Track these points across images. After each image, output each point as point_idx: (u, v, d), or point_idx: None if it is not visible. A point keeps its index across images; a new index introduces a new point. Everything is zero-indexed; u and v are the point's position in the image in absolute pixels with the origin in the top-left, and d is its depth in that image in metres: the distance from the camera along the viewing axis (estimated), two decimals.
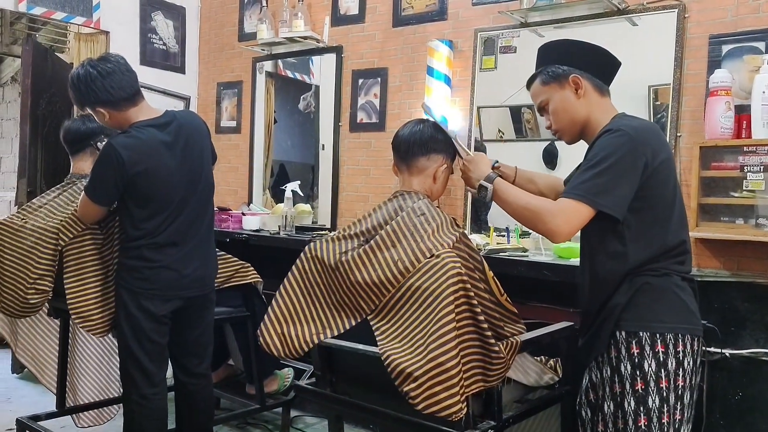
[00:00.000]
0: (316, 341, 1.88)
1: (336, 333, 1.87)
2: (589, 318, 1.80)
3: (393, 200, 1.95)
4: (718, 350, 2.48)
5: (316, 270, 1.91)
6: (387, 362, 1.72)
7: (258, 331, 1.94)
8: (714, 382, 2.50)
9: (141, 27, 4.20)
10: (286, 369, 3.33)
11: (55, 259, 2.53)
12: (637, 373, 1.66)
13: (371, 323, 1.82)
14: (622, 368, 1.68)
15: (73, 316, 2.49)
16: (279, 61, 4.16)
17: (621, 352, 1.69)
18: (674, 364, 1.66)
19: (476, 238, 2.84)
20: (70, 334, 3.02)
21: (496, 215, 3.15)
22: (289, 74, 4.21)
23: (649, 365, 1.65)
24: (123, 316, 2.37)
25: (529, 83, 1.88)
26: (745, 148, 2.39)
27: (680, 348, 1.66)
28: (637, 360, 1.66)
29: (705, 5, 2.59)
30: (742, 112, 2.46)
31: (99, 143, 2.60)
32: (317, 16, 3.84)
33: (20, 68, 4.65)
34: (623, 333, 1.69)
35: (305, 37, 3.77)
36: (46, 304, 2.72)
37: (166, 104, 3.81)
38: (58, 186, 2.80)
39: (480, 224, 3.21)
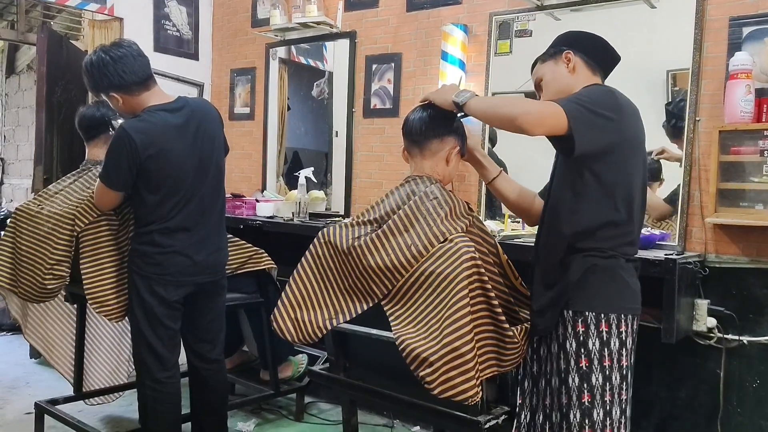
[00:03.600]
0: (329, 326, 1.88)
1: (349, 318, 1.87)
2: (540, 294, 1.85)
3: (405, 185, 1.94)
4: (736, 337, 2.45)
5: (329, 255, 1.91)
6: (402, 347, 1.71)
7: (272, 316, 1.94)
8: (731, 369, 2.48)
9: (155, 13, 4.20)
10: (300, 355, 3.35)
11: (71, 245, 2.55)
12: (582, 351, 1.72)
13: (385, 308, 1.82)
14: (568, 345, 1.74)
15: (89, 302, 2.51)
16: (292, 47, 4.14)
17: (567, 329, 1.75)
18: (617, 344, 1.72)
19: (491, 225, 2.82)
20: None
21: None
22: (303, 60, 4.19)
23: (593, 344, 1.71)
24: (136, 302, 2.39)
25: (533, 68, 1.97)
26: (765, 132, 2.35)
27: (623, 328, 1.73)
28: (582, 338, 1.72)
29: None
30: (763, 96, 2.41)
31: (113, 129, 2.61)
32: (330, 1, 3.82)
33: (35, 56, 4.68)
34: (570, 312, 1.74)
35: (318, 23, 3.75)
36: (62, 290, 2.74)
37: (179, 91, 3.83)
38: (73, 172, 2.81)
39: (495, 211, 3.19)
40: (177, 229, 2.35)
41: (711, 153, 2.47)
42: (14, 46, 6.79)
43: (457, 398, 1.65)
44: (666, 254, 2.34)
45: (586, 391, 1.71)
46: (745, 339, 2.44)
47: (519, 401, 1.86)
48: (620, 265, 1.75)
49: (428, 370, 1.66)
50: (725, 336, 2.47)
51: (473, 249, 1.76)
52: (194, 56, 4.44)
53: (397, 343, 1.73)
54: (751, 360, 2.45)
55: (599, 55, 1.89)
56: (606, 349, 1.71)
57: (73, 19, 4.65)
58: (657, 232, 2.58)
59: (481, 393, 1.67)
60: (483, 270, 1.75)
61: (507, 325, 1.75)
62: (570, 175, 1.79)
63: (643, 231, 2.53)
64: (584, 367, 1.71)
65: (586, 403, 1.71)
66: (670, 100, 2.71)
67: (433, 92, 1.94)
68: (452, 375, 1.64)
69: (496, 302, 1.75)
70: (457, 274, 1.70)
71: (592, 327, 1.72)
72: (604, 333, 1.71)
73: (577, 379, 1.72)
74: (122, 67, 2.29)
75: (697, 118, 2.58)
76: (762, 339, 2.42)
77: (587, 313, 1.72)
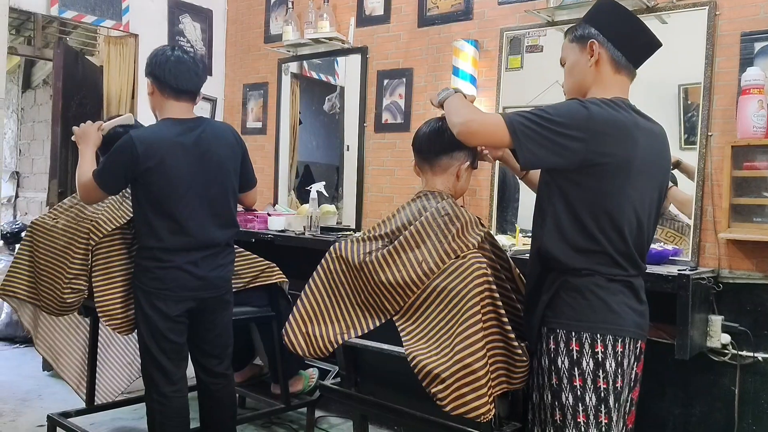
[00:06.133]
0: (340, 341, 1.88)
1: (360, 333, 1.87)
2: (525, 309, 1.84)
3: (417, 200, 1.95)
4: (751, 354, 2.43)
5: (341, 270, 1.91)
6: (413, 363, 1.71)
7: (283, 330, 1.94)
8: (746, 386, 2.45)
9: (169, 30, 4.25)
10: (311, 369, 3.34)
11: (87, 259, 2.57)
12: (552, 368, 1.69)
13: (396, 324, 1.82)
14: (543, 362, 1.72)
15: (99, 314, 2.53)
16: (304, 62, 4.17)
17: (543, 346, 1.72)
18: (592, 364, 1.65)
19: (502, 239, 2.82)
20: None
21: (522, 216, 3.13)
22: (314, 75, 4.22)
23: (562, 362, 1.67)
24: (140, 316, 2.40)
25: (565, 35, 1.88)
26: None
27: (599, 349, 1.65)
28: (552, 355, 1.69)
29: (736, 2, 2.54)
30: None
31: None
32: (342, 17, 3.85)
33: (51, 71, 4.73)
34: (545, 328, 1.72)
35: (330, 38, 3.78)
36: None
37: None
38: None
39: (506, 225, 3.19)
40: (176, 249, 2.35)
41: (723, 168, 2.46)
42: (31, 61, 6.88)
43: (469, 415, 1.64)
44: (679, 270, 2.33)
45: (557, 409, 1.68)
46: (759, 356, 2.42)
47: (530, 417, 1.82)
48: (597, 284, 1.66)
49: (440, 387, 1.66)
50: (739, 352, 2.45)
51: (485, 265, 1.76)
52: (207, 71, 4.47)
53: (408, 359, 1.73)
54: (766, 376, 2.42)
55: (631, 44, 1.74)
56: (576, 369, 1.65)
57: (88, 35, 4.70)
58: (670, 247, 2.56)
59: (493, 410, 1.67)
60: (495, 287, 1.75)
61: (516, 343, 1.75)
62: (542, 189, 1.79)
63: (656, 246, 2.52)
64: (555, 385, 1.68)
65: (558, 422, 1.68)
66: (682, 113, 2.70)
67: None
68: (464, 392, 1.64)
69: (506, 319, 1.75)
70: (469, 291, 1.70)
71: (562, 345, 1.67)
72: (574, 352, 1.66)
73: (549, 396, 1.70)
74: (171, 67, 2.36)
75: (710, 133, 2.57)
76: None
77: (558, 331, 1.68)
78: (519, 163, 1.67)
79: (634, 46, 1.76)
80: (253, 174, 2.65)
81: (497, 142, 1.68)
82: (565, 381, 1.67)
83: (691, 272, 2.29)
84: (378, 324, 1.86)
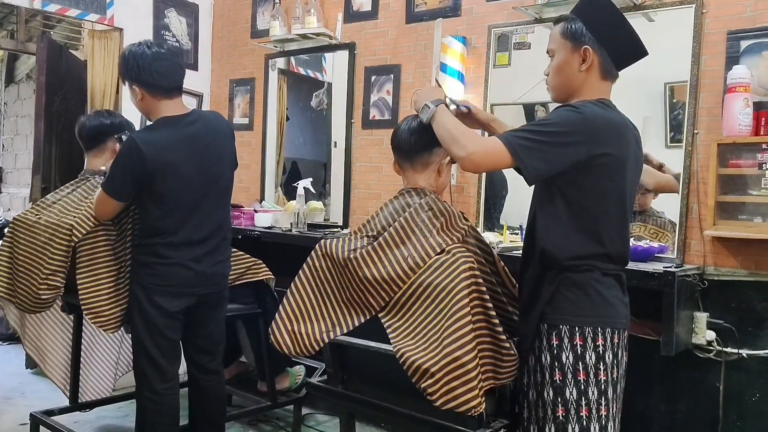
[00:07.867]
0: (326, 339, 1.87)
1: (346, 330, 1.86)
2: (521, 306, 1.85)
3: (399, 198, 1.94)
4: (735, 350, 2.45)
5: (326, 267, 1.90)
6: (402, 360, 1.70)
7: (269, 329, 1.93)
8: (731, 383, 2.47)
9: (154, 24, 4.21)
10: (298, 366, 3.33)
11: (68, 256, 2.54)
12: (556, 364, 1.70)
13: (382, 320, 1.81)
14: (543, 359, 1.72)
15: (84, 312, 2.50)
16: (291, 57, 4.15)
17: (543, 343, 1.73)
18: (594, 357, 1.68)
19: (489, 236, 2.82)
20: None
21: (510, 213, 3.13)
22: (302, 71, 4.20)
23: (567, 357, 1.69)
24: (136, 312, 2.38)
25: (557, 21, 1.85)
26: (763, 146, 2.35)
27: (600, 342, 1.68)
28: (555, 351, 1.70)
29: (723, 0, 2.55)
30: (761, 109, 2.41)
31: (123, 137, 2.56)
32: (330, 13, 3.83)
33: (35, 65, 4.68)
34: (545, 325, 1.72)
35: (318, 34, 3.76)
36: (59, 300, 2.73)
37: None
38: (71, 182, 2.81)
39: (493, 222, 3.19)
40: (180, 243, 2.35)
41: (709, 166, 2.47)
42: (13, 56, 6.79)
43: (459, 409, 1.63)
44: (665, 267, 2.34)
45: (560, 405, 1.68)
46: (744, 352, 2.44)
47: (525, 415, 1.82)
48: (595, 279, 1.70)
49: (429, 382, 1.65)
50: (724, 349, 2.46)
51: (472, 260, 1.76)
52: (194, 66, 4.44)
53: (397, 355, 1.72)
54: (751, 373, 2.44)
55: (617, 46, 1.75)
56: (580, 363, 1.67)
57: (72, 29, 4.65)
58: (656, 244, 2.58)
59: (483, 404, 1.66)
60: (481, 281, 1.75)
61: (504, 337, 1.75)
62: (541, 191, 1.79)
63: (642, 243, 2.53)
64: (558, 381, 1.69)
65: (561, 417, 1.68)
66: (668, 111, 2.71)
67: (417, 95, 1.90)
68: (455, 385, 1.63)
69: (493, 313, 1.75)
70: (456, 285, 1.69)
71: (566, 340, 1.69)
72: (578, 346, 1.68)
73: (551, 393, 1.70)
74: (157, 67, 2.30)
75: (696, 131, 2.58)
76: (761, 352, 2.42)
77: (561, 327, 1.70)
78: (525, 179, 1.68)
79: (620, 49, 1.77)
80: (236, 157, 2.59)
81: (500, 165, 1.70)
82: (569, 376, 1.68)
83: (677, 269, 2.30)
84: (363, 320, 1.85)
